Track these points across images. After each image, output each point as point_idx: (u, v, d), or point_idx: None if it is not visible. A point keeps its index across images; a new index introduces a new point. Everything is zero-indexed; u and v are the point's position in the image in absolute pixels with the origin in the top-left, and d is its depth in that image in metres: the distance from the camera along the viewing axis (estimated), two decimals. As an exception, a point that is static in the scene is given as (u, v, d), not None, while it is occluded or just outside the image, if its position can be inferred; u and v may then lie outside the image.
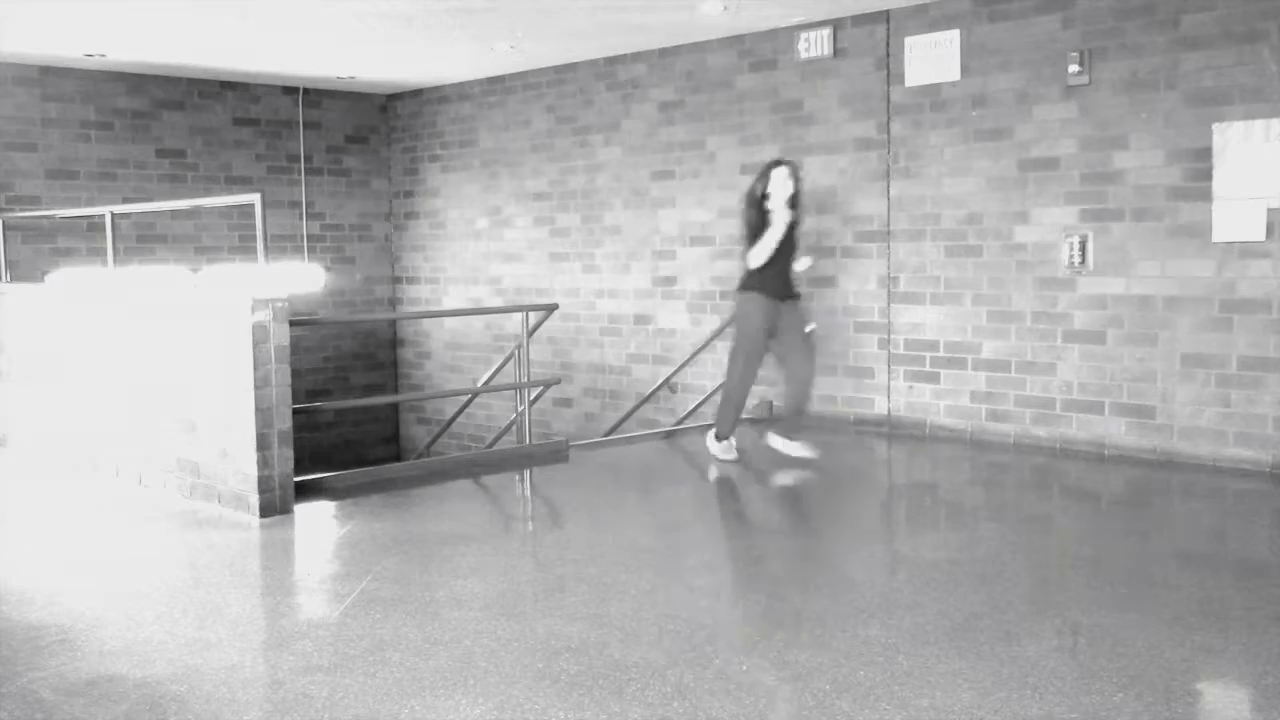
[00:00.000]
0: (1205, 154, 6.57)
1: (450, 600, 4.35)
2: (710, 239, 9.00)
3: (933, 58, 7.63)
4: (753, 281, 6.71)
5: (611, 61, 9.50)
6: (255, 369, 5.55)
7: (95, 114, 9.79)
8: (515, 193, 10.44)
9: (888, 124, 7.90)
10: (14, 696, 3.47)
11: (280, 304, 5.63)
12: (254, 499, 5.60)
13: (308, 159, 11.04)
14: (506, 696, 3.40)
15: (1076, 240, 7.08)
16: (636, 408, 9.15)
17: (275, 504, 5.65)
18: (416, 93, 11.23)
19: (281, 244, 10.79)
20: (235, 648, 3.88)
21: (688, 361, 8.83)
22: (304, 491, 6.02)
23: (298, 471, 5.85)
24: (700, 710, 3.28)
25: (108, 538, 5.53)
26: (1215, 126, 6.53)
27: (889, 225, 7.94)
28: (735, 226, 8.75)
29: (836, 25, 8.07)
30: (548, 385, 8.27)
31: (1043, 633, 3.91)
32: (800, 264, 6.84)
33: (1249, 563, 4.94)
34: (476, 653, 3.76)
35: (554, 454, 7.35)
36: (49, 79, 9.54)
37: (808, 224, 7.54)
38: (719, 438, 7.00)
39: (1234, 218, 6.49)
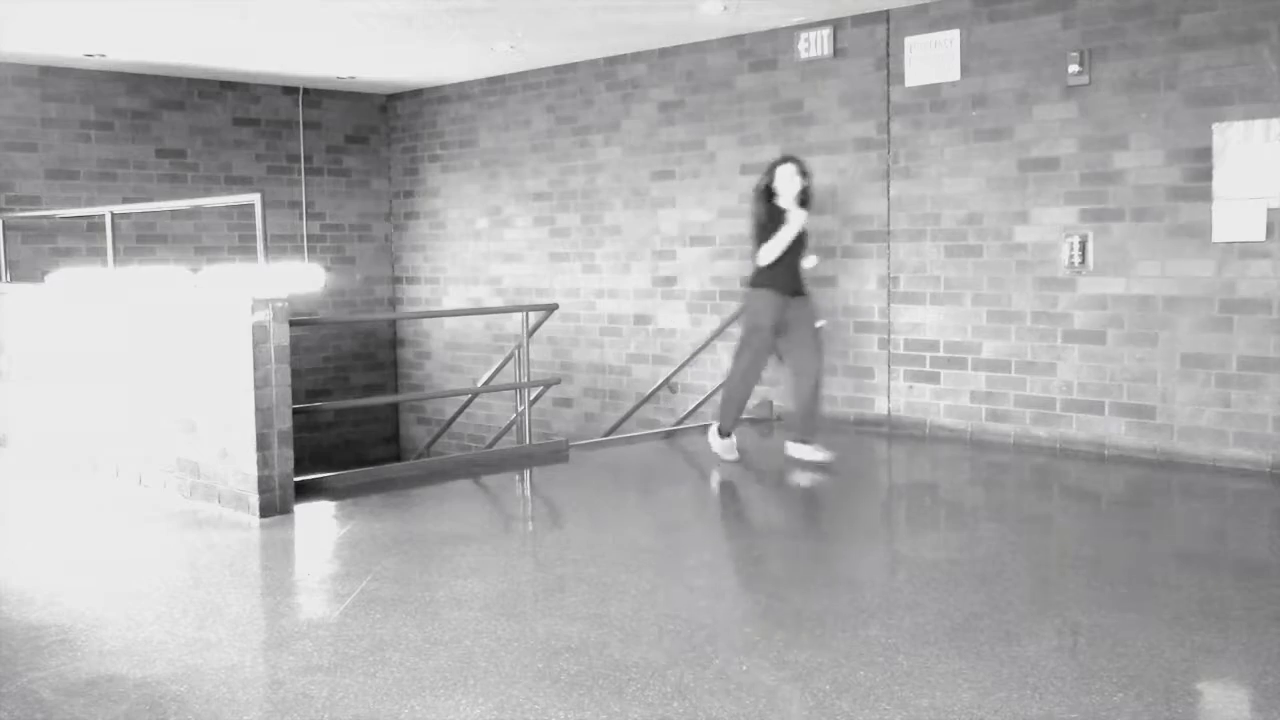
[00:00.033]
0: (1205, 154, 6.57)
1: (450, 600, 4.35)
2: (710, 239, 9.00)
3: (933, 58, 7.63)
4: (763, 278, 6.67)
5: (611, 61, 9.51)
6: (255, 369, 5.55)
7: (95, 114, 9.79)
8: (515, 193, 10.44)
9: (888, 124, 7.90)
10: (14, 696, 3.47)
11: (280, 304, 5.63)
12: (254, 499, 5.61)
13: (308, 159, 11.04)
14: (506, 696, 3.40)
15: (1076, 240, 7.08)
16: (636, 408, 9.15)
17: (275, 504, 5.65)
18: (416, 93, 11.23)
19: (281, 244, 10.80)
20: (235, 648, 3.88)
21: (688, 361, 8.83)
22: (304, 491, 6.02)
23: (298, 471, 5.85)
24: (700, 710, 3.28)
25: (108, 538, 5.53)
26: (1215, 126, 6.53)
27: (889, 225, 7.94)
28: (735, 226, 8.76)
29: (836, 25, 8.07)
30: (548, 385, 8.27)
31: (1043, 633, 3.91)
32: (807, 262, 6.82)
33: (1249, 563, 4.94)
34: (476, 653, 3.76)
35: (554, 454, 7.35)
36: (49, 79, 9.54)
37: (808, 224, 7.51)
38: (721, 434, 6.97)
39: (1234, 218, 6.49)
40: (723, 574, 4.94)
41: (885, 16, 7.83)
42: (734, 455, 6.94)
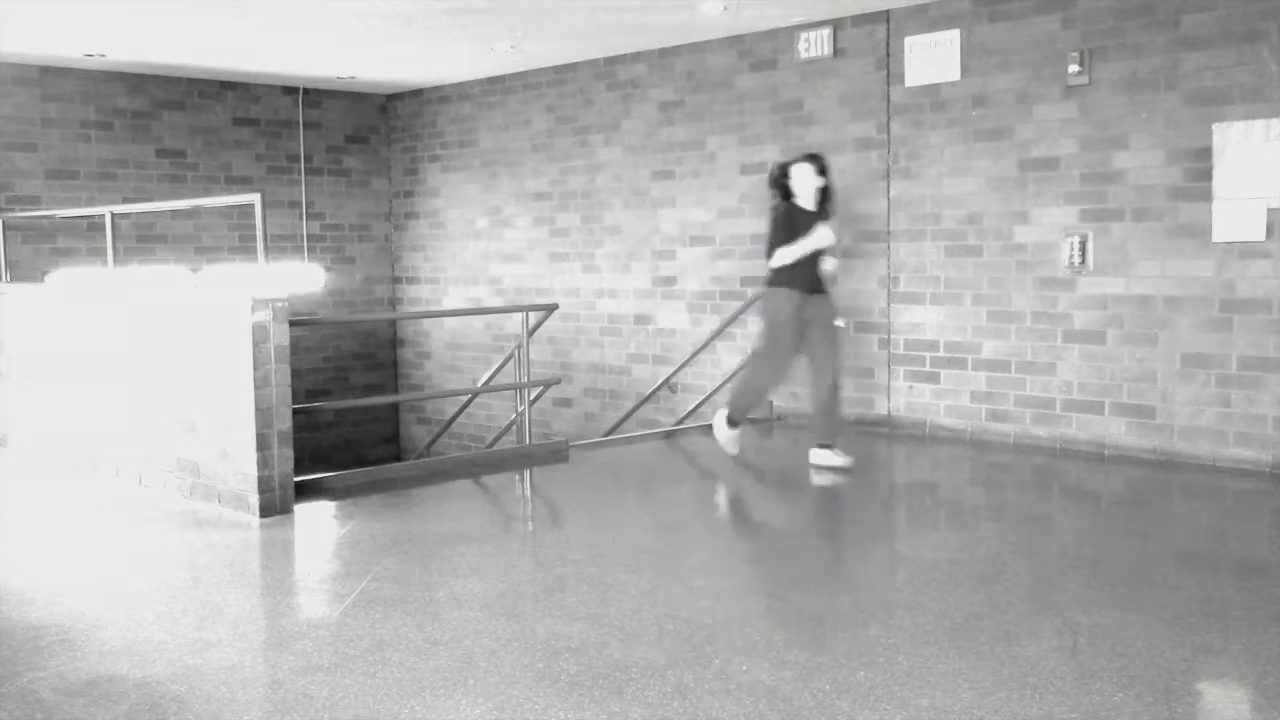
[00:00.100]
0: (1205, 154, 6.57)
1: (450, 600, 4.35)
2: (710, 239, 9.00)
3: (933, 58, 7.63)
4: (782, 277, 6.56)
5: (611, 61, 9.50)
6: (255, 369, 5.55)
7: (95, 114, 9.79)
8: (515, 193, 10.44)
9: (888, 124, 7.90)
10: (14, 696, 3.47)
11: (280, 304, 5.63)
12: (254, 499, 5.61)
13: (308, 159, 11.04)
14: (506, 696, 3.40)
15: (1076, 240, 7.08)
16: (636, 408, 9.15)
17: (275, 504, 5.65)
18: (416, 93, 11.23)
19: (281, 244, 10.80)
20: (235, 648, 3.88)
21: (688, 361, 8.83)
22: (304, 491, 6.02)
23: (298, 471, 5.85)
24: (700, 710, 3.28)
25: (108, 538, 5.53)
26: (1215, 126, 6.53)
27: (889, 225, 7.94)
28: (735, 226, 8.77)
29: (836, 25, 8.07)
30: (548, 385, 8.27)
31: (1043, 633, 3.91)
32: (828, 265, 6.67)
33: (1249, 563, 4.94)
34: (476, 653, 3.76)
35: (554, 454, 7.35)
36: (49, 79, 9.54)
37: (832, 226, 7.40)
38: (730, 423, 6.89)
39: (1234, 218, 6.49)
40: (723, 574, 4.93)
41: (885, 16, 7.83)
42: (736, 449, 6.93)
